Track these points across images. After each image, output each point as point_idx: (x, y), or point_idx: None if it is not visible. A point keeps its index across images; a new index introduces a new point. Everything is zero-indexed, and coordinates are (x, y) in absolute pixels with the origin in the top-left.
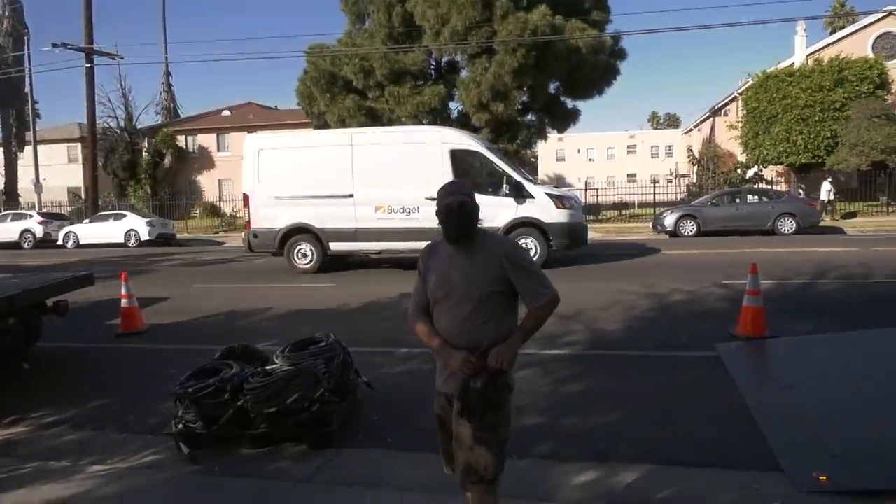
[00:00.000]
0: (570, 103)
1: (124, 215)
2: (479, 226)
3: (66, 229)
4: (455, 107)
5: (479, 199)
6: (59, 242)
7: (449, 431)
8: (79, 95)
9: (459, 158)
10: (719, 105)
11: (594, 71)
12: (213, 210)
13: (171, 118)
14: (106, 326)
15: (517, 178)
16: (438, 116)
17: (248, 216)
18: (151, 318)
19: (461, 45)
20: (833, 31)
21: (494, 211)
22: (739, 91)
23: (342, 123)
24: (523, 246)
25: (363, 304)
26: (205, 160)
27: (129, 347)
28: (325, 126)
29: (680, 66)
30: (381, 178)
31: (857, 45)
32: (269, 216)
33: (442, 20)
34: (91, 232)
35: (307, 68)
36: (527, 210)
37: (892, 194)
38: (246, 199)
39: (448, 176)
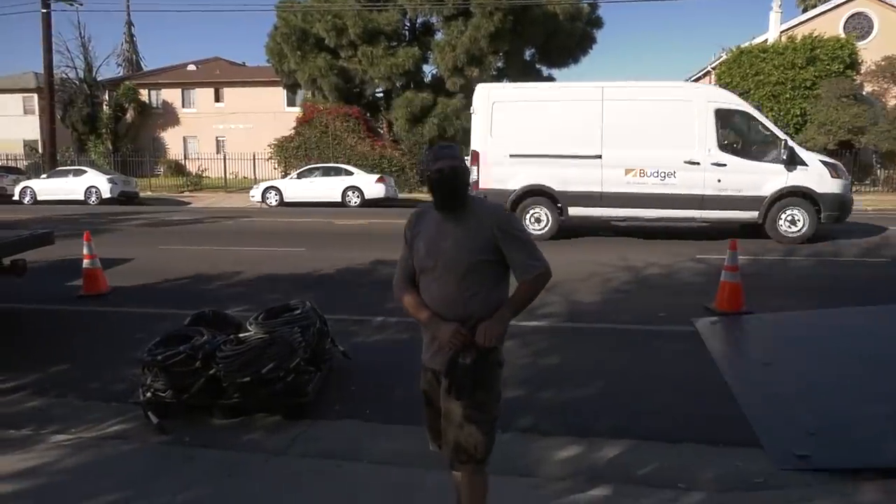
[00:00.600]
0: (545, 71)
1: (84, 171)
2: (470, 192)
3: (22, 184)
4: (429, 70)
5: (743, 164)
6: (16, 198)
7: (436, 408)
8: (35, 43)
9: (725, 119)
10: (692, 79)
11: (570, 38)
12: (177, 168)
13: (133, 71)
14: (67, 288)
15: (791, 142)
16: (412, 80)
17: (477, 175)
18: (115, 280)
19: (437, 5)
20: (805, 10)
21: (761, 178)
22: (713, 65)
23: (313, 83)
24: (790, 218)
25: (336, 270)
26: (169, 116)
27: (91, 310)
28: (295, 85)
29: (653, 38)
30: (633, 138)
31: (830, 23)
32: (502, 176)
33: None
34: (49, 187)
35: (277, 24)
36: (798, 178)
37: (856, 174)
38: (475, 156)
39: (711, 138)
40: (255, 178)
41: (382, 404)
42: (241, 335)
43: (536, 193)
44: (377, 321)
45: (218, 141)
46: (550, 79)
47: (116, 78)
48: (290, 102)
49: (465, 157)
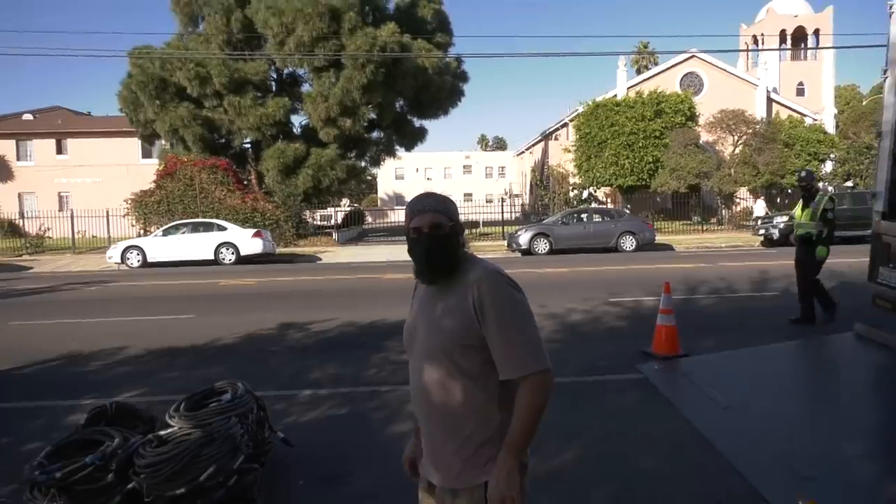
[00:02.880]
0: (417, 122)
1: None
2: (466, 252)
3: None
4: (298, 121)
5: None
6: None
7: None
8: None
9: None
10: (551, 130)
11: (440, 91)
12: (12, 229)
13: None
14: None
15: None
16: (282, 130)
17: None
18: None
19: (308, 56)
20: (639, 70)
21: None
22: (570, 118)
23: (174, 133)
24: None
25: (238, 337)
26: (2, 170)
27: None
28: (153, 135)
29: (508, 92)
30: None
31: (668, 81)
32: None
33: (287, 29)
34: None
35: (132, 72)
36: None
37: (702, 215)
38: None
39: None
40: (110, 237)
41: (342, 500)
42: (161, 433)
43: None
44: (305, 395)
45: (61, 197)
46: (422, 129)
47: None
48: (146, 154)
49: (453, 208)
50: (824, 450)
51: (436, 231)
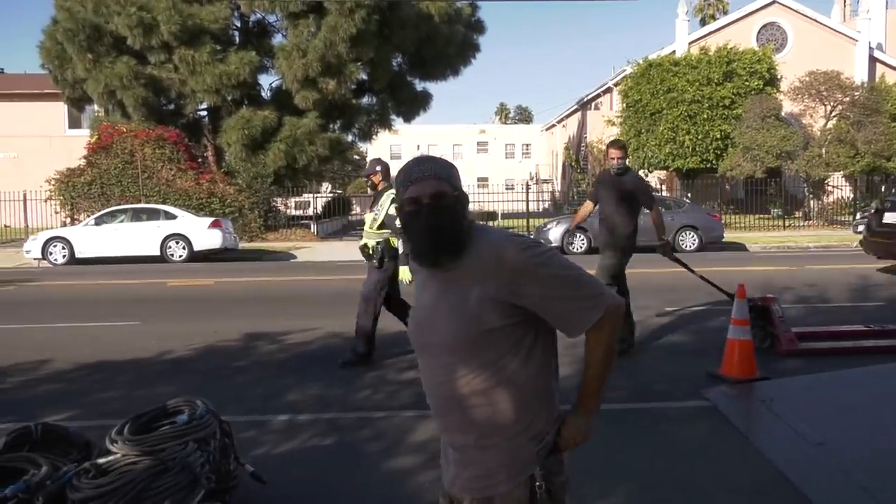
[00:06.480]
0: (418, 84)
1: None
2: (470, 223)
3: None
4: (268, 82)
5: None
6: None
7: None
8: None
9: None
10: (590, 97)
11: (449, 45)
12: None
13: None
14: None
15: None
16: (248, 94)
17: None
18: None
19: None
20: (703, 21)
21: None
22: (615, 81)
23: (110, 96)
24: None
25: (194, 350)
26: None
27: None
28: (84, 99)
29: (536, 49)
30: None
31: (742, 34)
32: None
33: None
34: None
35: (58, 17)
36: None
37: (783, 206)
38: None
39: None
40: (28, 227)
41: None
42: (100, 461)
43: None
44: (280, 421)
45: None
46: (425, 94)
47: None
48: (75, 123)
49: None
50: None
51: (439, 202)
